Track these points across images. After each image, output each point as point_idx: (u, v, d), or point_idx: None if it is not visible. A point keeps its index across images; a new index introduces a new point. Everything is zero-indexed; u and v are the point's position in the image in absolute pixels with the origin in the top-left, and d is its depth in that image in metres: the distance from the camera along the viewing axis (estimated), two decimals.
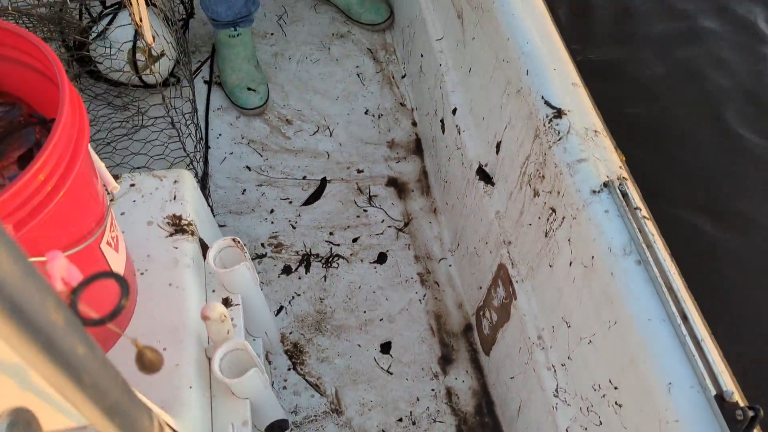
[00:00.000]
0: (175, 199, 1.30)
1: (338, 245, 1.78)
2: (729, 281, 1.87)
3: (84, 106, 0.88)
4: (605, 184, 1.11)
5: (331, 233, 1.80)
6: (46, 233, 0.83)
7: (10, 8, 1.44)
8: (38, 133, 0.96)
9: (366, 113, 2.03)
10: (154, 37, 1.51)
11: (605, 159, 1.15)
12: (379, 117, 2.03)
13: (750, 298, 1.86)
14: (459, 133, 1.62)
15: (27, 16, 1.53)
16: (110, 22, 1.76)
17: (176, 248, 1.24)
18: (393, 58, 2.15)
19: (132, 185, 1.32)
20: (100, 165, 1.04)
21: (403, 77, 2.10)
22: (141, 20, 1.31)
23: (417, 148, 1.97)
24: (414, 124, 2.02)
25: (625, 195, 1.09)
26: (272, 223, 1.81)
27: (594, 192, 1.11)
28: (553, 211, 1.20)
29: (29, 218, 0.78)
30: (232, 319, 1.20)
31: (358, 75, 2.11)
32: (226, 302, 1.28)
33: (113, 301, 0.49)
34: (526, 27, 1.33)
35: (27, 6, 1.52)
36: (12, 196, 0.74)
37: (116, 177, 1.32)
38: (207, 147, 1.94)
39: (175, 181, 1.33)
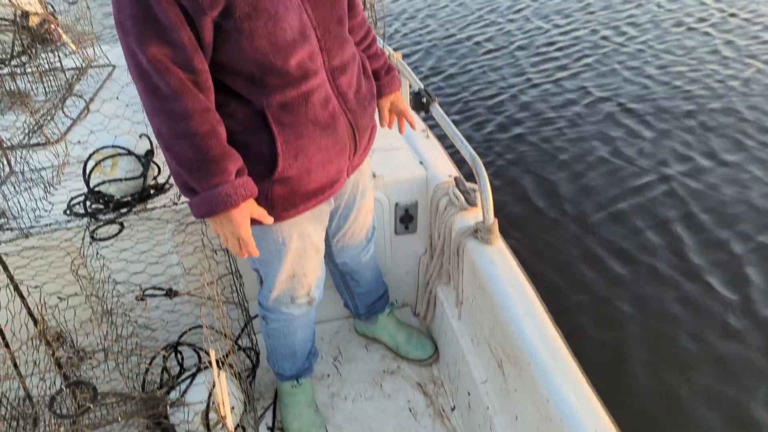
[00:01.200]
0: None
1: None
2: None
3: None
4: None
5: None
6: None
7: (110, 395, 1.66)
8: None
9: None
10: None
11: None
12: None
13: None
14: None
15: (122, 397, 1.75)
16: (187, 388, 1.98)
17: None
18: (442, 390, 2.29)
19: None
20: None
21: (452, 410, 2.22)
22: (223, 403, 1.51)
23: None
24: None
25: None
26: None
27: None
28: None
29: None
30: None
31: (409, 410, 2.24)
32: None
33: None
34: (563, 387, 1.47)
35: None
36: None
37: None
38: None
39: None
